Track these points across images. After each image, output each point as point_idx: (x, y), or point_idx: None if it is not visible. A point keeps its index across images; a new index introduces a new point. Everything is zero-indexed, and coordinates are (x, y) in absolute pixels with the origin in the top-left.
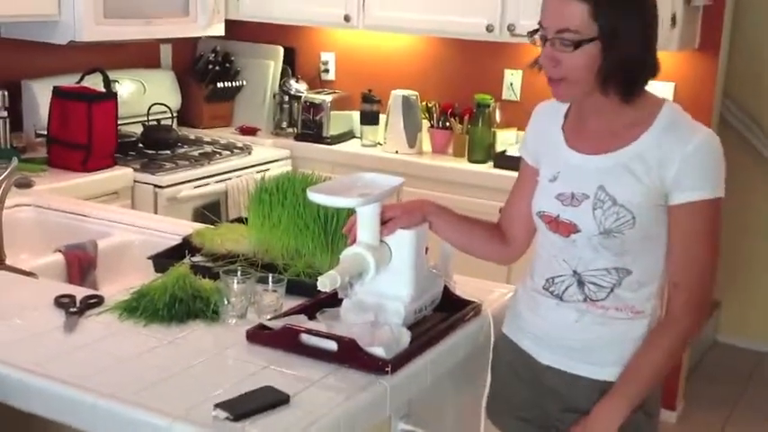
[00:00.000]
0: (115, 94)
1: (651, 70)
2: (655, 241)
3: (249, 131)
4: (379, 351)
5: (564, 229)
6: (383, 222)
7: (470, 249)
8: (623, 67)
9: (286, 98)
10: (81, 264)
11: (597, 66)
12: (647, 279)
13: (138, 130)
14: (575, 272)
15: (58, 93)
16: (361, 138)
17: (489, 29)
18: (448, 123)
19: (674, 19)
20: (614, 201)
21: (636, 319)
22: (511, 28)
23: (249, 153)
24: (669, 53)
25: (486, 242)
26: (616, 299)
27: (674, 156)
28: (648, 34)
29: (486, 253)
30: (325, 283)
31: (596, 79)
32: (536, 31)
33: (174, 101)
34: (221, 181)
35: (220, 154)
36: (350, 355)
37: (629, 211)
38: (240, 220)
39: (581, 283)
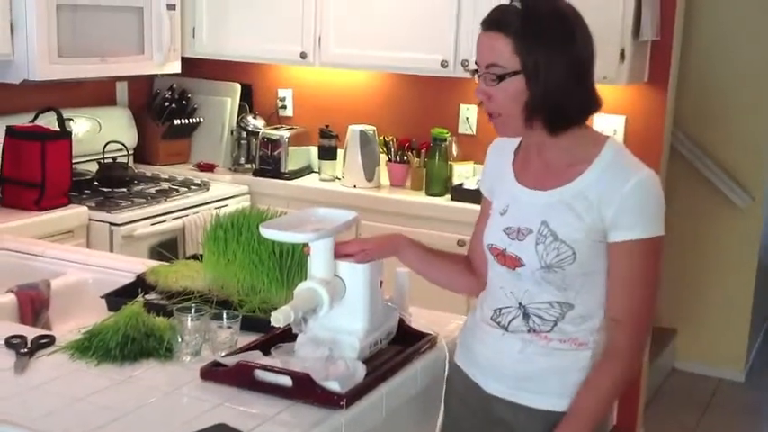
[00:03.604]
0: (69, 133)
1: (588, 105)
2: (596, 277)
3: (207, 168)
4: (333, 385)
5: (510, 262)
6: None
7: (442, 283)
8: (547, 102)
9: (244, 134)
10: (33, 304)
11: (524, 100)
12: (590, 313)
13: (94, 168)
14: (520, 304)
15: (11, 132)
16: (319, 173)
17: (444, 65)
18: (405, 157)
19: (622, 54)
20: (555, 236)
21: (580, 351)
22: (464, 64)
23: (207, 189)
24: (619, 87)
25: (456, 276)
26: (560, 332)
27: (613, 195)
28: (578, 71)
29: (456, 286)
30: (278, 319)
31: (522, 114)
32: (476, 69)
33: (131, 138)
34: (178, 218)
35: (177, 191)
36: (305, 390)
37: (570, 246)
38: (196, 257)
39: (526, 316)
